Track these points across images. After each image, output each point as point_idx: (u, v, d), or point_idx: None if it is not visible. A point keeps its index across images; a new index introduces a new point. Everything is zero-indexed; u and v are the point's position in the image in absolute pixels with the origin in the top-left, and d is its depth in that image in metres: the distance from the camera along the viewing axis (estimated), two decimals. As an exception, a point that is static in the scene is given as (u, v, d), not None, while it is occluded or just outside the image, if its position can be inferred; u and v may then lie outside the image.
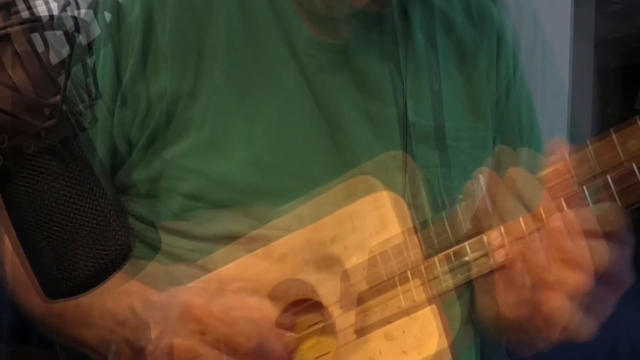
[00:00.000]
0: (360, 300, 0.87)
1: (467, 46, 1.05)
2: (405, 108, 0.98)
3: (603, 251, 0.79)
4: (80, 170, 0.65)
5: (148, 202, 0.97)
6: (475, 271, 0.84)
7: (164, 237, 0.96)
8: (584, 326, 0.81)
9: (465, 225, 0.85)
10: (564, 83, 2.05)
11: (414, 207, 0.93)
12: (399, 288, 0.85)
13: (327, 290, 0.88)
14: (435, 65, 1.02)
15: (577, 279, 0.79)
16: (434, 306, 0.85)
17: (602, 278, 0.80)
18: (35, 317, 0.96)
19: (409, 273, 0.86)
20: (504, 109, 1.06)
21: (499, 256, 0.83)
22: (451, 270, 0.84)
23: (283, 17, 0.98)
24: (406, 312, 0.85)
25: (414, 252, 0.86)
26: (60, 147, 0.64)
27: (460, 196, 0.87)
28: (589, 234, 0.80)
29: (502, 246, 0.83)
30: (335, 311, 0.87)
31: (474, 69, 1.04)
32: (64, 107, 0.63)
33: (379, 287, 0.86)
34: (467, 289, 0.92)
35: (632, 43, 2.46)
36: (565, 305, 0.80)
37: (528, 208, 0.82)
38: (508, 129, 1.06)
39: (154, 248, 0.96)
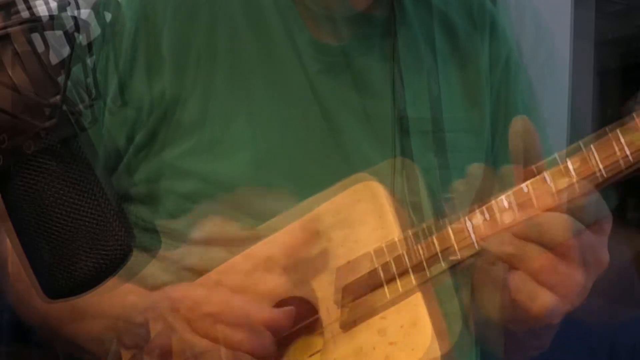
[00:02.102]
0: (345, 293, 0.86)
1: (465, 43, 1.05)
2: (405, 110, 0.98)
3: (564, 225, 0.78)
4: (80, 170, 0.65)
5: (147, 202, 0.97)
6: (459, 256, 0.83)
7: (164, 238, 0.96)
8: (552, 305, 0.80)
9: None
10: (564, 83, 2.05)
11: (412, 204, 0.93)
12: (383, 279, 0.85)
13: (317, 285, 0.87)
14: (434, 67, 1.02)
15: (535, 254, 0.79)
16: (419, 295, 0.83)
17: (569, 256, 0.79)
18: (34, 317, 0.96)
19: (392, 263, 0.85)
20: (499, 100, 1.06)
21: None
22: (434, 255, 0.83)
23: (286, 18, 0.98)
24: (391, 302, 0.84)
25: (400, 243, 0.85)
26: (60, 147, 0.64)
27: (450, 195, 0.87)
28: (551, 208, 0.79)
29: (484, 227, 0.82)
30: (325, 306, 0.87)
31: (472, 66, 1.04)
32: (64, 107, 0.63)
33: (363, 280, 0.86)
34: (465, 286, 0.92)
35: (632, 43, 2.46)
36: (526, 282, 0.80)
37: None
38: (505, 121, 1.06)
39: (154, 248, 0.95)
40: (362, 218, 0.87)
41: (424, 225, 0.85)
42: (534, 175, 0.81)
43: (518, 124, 0.83)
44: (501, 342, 0.89)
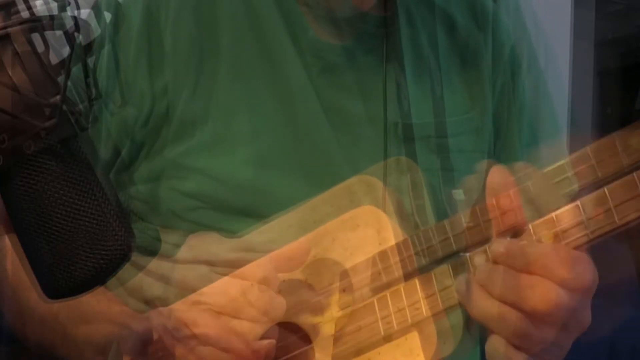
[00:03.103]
0: (339, 325, 0.85)
1: (468, 43, 1.05)
2: (409, 113, 0.98)
3: (545, 292, 0.75)
4: (80, 170, 0.65)
5: (149, 201, 0.97)
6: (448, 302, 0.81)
7: (165, 237, 0.96)
8: None
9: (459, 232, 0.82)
10: (564, 83, 2.05)
11: (416, 207, 0.93)
12: (377, 313, 0.83)
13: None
14: (437, 69, 1.02)
15: (512, 319, 0.76)
16: (416, 334, 0.81)
17: (548, 322, 0.76)
18: (33, 327, 0.96)
19: (388, 297, 0.83)
20: (502, 98, 1.06)
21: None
22: (432, 295, 0.81)
23: (289, 16, 0.98)
24: (385, 339, 0.82)
25: (396, 273, 0.83)
26: (60, 147, 0.64)
27: (460, 195, 0.85)
28: (523, 271, 0.76)
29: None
30: (318, 335, 0.86)
31: (475, 65, 1.04)
32: (64, 107, 0.63)
33: (358, 312, 0.84)
34: None
35: (632, 43, 2.46)
36: (501, 345, 0.77)
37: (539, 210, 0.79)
38: (508, 119, 1.06)
39: (155, 247, 0.96)
40: (360, 242, 0.86)
41: (419, 239, 0.83)
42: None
43: (495, 176, 0.80)
44: None
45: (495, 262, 0.78)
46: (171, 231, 0.95)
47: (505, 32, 1.08)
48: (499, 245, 0.78)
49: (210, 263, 0.88)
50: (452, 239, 0.82)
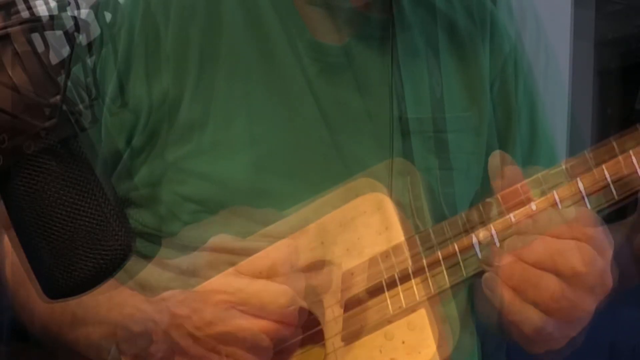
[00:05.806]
0: (347, 306, 0.85)
1: (466, 42, 1.05)
2: (406, 110, 0.98)
3: (570, 255, 0.77)
4: (80, 170, 0.65)
5: (148, 205, 0.97)
6: (465, 272, 0.82)
7: (165, 241, 0.96)
8: (555, 331, 0.79)
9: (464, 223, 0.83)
10: (564, 83, 2.05)
11: (415, 209, 0.93)
12: (386, 293, 0.84)
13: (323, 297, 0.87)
14: (437, 67, 1.02)
15: (550, 284, 0.77)
16: (423, 311, 0.82)
17: (580, 284, 0.78)
18: (35, 324, 0.96)
19: (396, 277, 0.84)
20: (500, 98, 1.06)
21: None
22: (440, 273, 0.82)
23: (285, 18, 0.98)
24: (394, 317, 0.83)
25: (403, 256, 0.84)
26: (60, 147, 0.64)
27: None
28: (557, 236, 0.78)
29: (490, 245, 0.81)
30: (328, 316, 0.86)
31: (473, 64, 1.04)
32: (64, 107, 0.63)
33: (366, 292, 0.85)
34: (465, 292, 0.91)
35: (632, 43, 2.46)
36: (517, 303, 0.79)
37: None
38: (507, 120, 1.06)
39: (154, 250, 0.95)
40: (367, 227, 0.87)
41: (430, 232, 0.84)
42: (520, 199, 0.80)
43: (495, 159, 0.83)
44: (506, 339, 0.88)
45: (522, 231, 0.79)
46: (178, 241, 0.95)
47: (504, 34, 1.08)
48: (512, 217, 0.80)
49: (225, 252, 0.88)
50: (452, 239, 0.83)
